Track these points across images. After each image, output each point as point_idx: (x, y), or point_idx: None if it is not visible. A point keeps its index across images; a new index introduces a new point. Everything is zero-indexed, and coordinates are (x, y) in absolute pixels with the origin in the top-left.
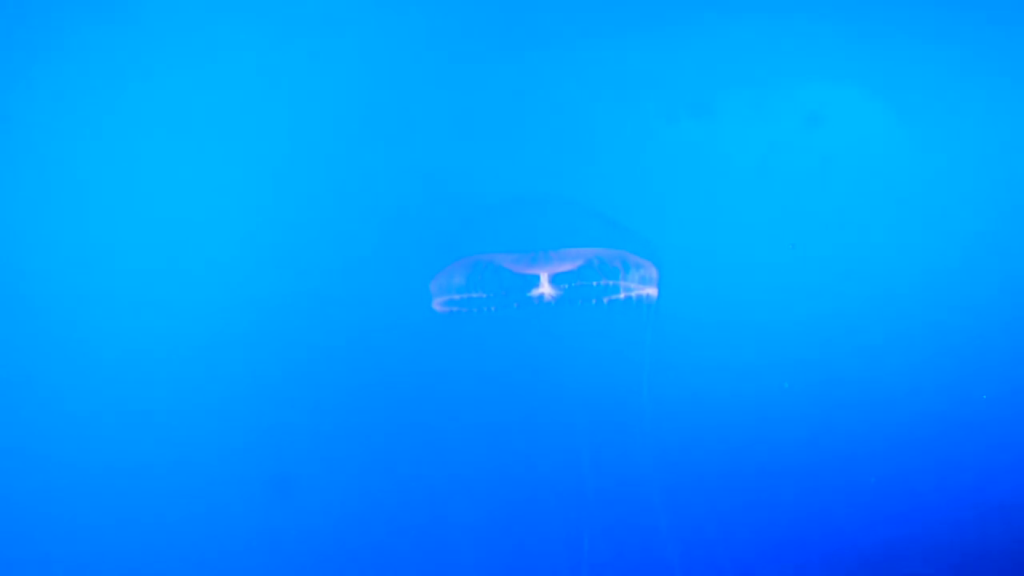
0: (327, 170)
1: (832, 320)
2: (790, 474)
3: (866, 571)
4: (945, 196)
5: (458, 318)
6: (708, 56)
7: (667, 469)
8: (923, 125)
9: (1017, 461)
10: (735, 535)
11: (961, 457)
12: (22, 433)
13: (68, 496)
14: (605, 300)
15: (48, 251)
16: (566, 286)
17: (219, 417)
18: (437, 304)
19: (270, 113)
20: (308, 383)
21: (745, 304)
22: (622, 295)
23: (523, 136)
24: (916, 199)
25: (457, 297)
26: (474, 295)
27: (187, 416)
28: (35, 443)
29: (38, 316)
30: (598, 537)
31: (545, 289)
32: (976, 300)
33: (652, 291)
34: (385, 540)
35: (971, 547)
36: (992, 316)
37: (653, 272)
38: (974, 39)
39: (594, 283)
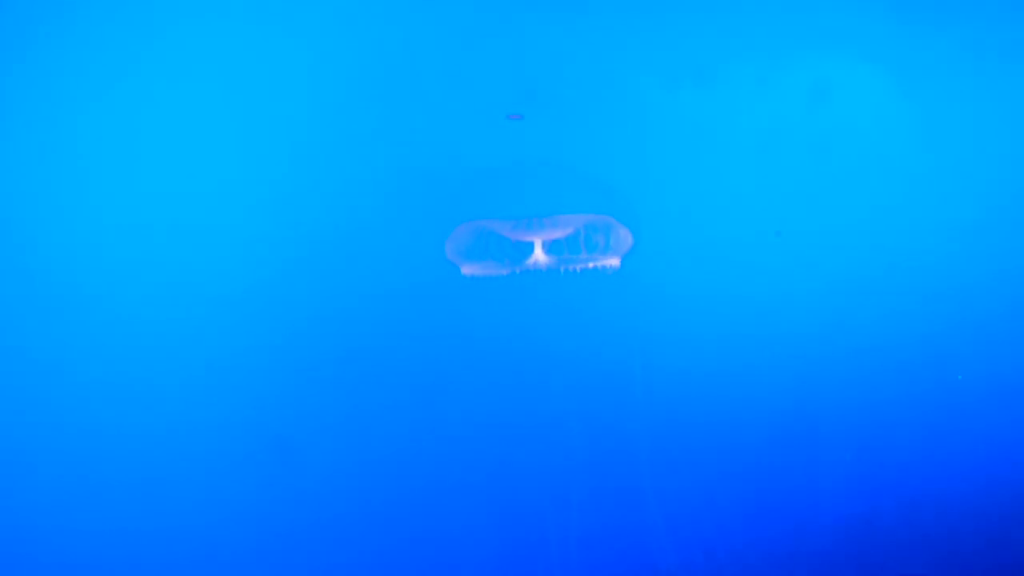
0: (316, 137)
1: (824, 300)
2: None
3: (865, 571)
4: (953, 181)
5: (476, 282)
6: (712, 23)
7: (658, 448)
8: (936, 106)
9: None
10: (727, 524)
11: (954, 452)
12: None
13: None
14: (598, 267)
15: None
16: (563, 255)
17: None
18: (465, 268)
19: (257, 82)
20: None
21: (737, 280)
22: (610, 263)
23: (521, 101)
24: (922, 182)
25: (469, 263)
26: (480, 262)
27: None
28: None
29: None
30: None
31: (539, 256)
32: (976, 287)
33: (615, 262)
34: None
35: (970, 547)
36: (992, 306)
37: (629, 240)
38: (995, 11)
39: (586, 252)
